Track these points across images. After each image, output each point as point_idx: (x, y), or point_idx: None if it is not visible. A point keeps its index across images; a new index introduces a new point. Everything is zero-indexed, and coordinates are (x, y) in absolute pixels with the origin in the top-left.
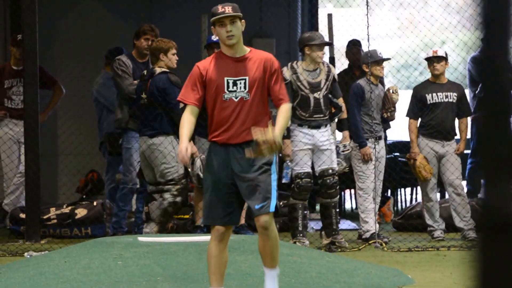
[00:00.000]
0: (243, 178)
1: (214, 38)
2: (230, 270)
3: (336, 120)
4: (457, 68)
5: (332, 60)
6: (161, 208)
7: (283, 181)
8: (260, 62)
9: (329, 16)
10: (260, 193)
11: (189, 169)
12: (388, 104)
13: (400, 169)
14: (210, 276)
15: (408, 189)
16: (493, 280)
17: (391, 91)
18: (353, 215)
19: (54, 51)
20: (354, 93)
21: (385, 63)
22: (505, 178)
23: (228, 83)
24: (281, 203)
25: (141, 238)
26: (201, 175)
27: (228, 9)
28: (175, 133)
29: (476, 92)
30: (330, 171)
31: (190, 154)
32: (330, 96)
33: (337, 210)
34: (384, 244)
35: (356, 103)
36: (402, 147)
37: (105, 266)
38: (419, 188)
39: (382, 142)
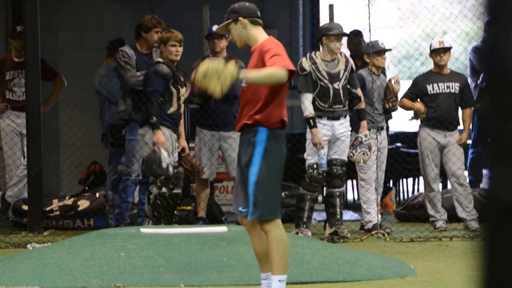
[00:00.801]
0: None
1: (215, 28)
2: (233, 261)
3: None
4: (459, 58)
5: None
6: (150, 203)
7: (320, 168)
8: (259, 51)
9: (331, 6)
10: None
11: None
12: (390, 95)
13: (402, 160)
14: (285, 263)
15: (410, 180)
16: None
17: (392, 81)
18: (355, 206)
19: (55, 43)
20: None
21: (386, 54)
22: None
23: None
24: (282, 194)
25: (143, 230)
26: (164, 165)
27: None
28: (149, 122)
29: (478, 82)
30: (339, 161)
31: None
32: (348, 86)
33: (342, 201)
34: (386, 235)
35: None
36: (404, 137)
37: (108, 257)
38: (421, 178)
39: (384, 133)
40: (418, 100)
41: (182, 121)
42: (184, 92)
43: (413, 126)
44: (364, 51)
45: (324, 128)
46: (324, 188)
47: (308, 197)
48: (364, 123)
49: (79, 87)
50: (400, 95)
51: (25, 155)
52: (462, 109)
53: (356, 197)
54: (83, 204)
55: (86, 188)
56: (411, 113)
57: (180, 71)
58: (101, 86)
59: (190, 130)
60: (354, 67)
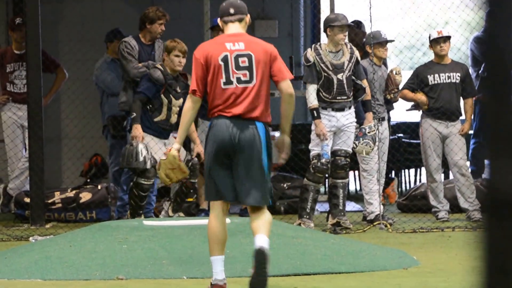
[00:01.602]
0: None
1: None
2: (235, 253)
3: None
4: (460, 48)
5: None
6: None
7: (323, 159)
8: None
9: None
10: None
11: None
12: (391, 86)
13: (404, 150)
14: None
15: (412, 170)
16: (499, 260)
17: (394, 72)
18: (358, 197)
19: (56, 34)
20: None
21: (388, 45)
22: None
23: None
24: (284, 185)
25: (146, 222)
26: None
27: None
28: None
29: (480, 71)
30: (344, 152)
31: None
32: (353, 78)
33: (346, 192)
34: (388, 226)
35: None
36: (406, 128)
37: (110, 250)
38: (423, 169)
39: (385, 123)
40: (419, 90)
41: (193, 127)
42: (179, 103)
43: (415, 116)
44: (366, 42)
45: (328, 119)
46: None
47: (312, 187)
48: (369, 115)
49: (80, 79)
50: (401, 86)
51: (27, 147)
52: (463, 99)
53: (358, 188)
54: (85, 196)
55: (88, 180)
56: (411, 103)
57: (180, 82)
58: (97, 79)
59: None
60: (359, 58)
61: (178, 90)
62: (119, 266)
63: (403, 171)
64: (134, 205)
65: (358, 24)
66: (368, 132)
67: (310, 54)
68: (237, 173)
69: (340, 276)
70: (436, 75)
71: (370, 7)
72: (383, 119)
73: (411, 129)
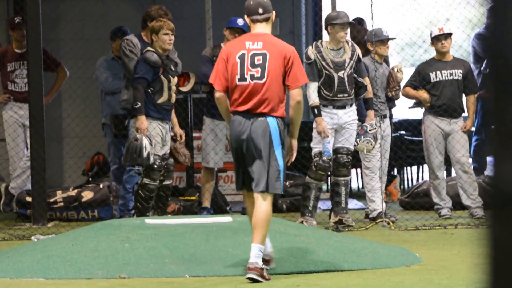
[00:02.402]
0: None
1: (241, 22)
2: (238, 252)
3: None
4: (462, 45)
5: None
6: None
7: (324, 156)
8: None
9: None
10: None
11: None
12: (393, 83)
13: (406, 148)
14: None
15: (415, 168)
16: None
17: (395, 69)
18: (360, 195)
19: (57, 33)
20: None
21: (389, 42)
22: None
23: None
24: (287, 183)
25: (148, 220)
26: (145, 154)
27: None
28: (133, 108)
29: (482, 68)
30: (345, 150)
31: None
32: (355, 75)
33: (348, 190)
34: (391, 223)
35: None
36: (408, 125)
37: (113, 248)
38: (425, 166)
39: (387, 121)
40: (421, 88)
41: (173, 110)
42: (175, 82)
43: (417, 113)
44: (367, 39)
45: (329, 117)
46: (330, 177)
47: (314, 185)
48: (370, 112)
49: (82, 77)
50: (403, 83)
51: (28, 146)
52: (466, 96)
53: (360, 186)
54: (87, 195)
55: (90, 179)
56: (413, 101)
57: (172, 61)
58: (96, 78)
59: (194, 120)
60: (361, 56)
61: (173, 68)
62: (122, 264)
63: (405, 168)
64: (141, 207)
65: (360, 22)
66: (370, 130)
67: (311, 51)
68: (248, 163)
69: (342, 274)
70: (438, 72)
71: (372, 4)
72: (384, 116)
73: (413, 126)
